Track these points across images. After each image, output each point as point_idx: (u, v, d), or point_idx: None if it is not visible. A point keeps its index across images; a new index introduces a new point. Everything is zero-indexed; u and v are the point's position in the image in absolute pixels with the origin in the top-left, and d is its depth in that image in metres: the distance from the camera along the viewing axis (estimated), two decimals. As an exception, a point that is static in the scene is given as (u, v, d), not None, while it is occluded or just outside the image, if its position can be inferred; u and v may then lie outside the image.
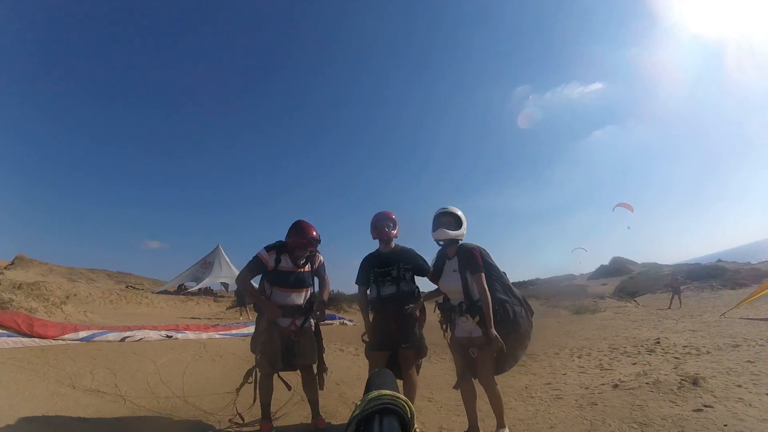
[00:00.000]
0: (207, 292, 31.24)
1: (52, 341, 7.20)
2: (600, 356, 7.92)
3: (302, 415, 4.45)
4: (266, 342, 3.94)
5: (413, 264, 4.14)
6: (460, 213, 3.87)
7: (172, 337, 8.76)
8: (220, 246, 34.82)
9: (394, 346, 3.96)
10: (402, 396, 1.41)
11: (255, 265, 4.06)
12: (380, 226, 4.19)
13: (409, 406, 1.38)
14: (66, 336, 7.53)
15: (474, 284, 3.60)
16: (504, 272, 3.85)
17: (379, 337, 4.03)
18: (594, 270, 54.00)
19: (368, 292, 4.23)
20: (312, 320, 4.23)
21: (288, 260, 4.10)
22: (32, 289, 15.04)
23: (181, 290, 31.24)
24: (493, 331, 3.34)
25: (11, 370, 5.19)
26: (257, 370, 4.04)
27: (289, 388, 4.33)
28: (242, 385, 4.18)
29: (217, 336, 9.89)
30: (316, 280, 4.35)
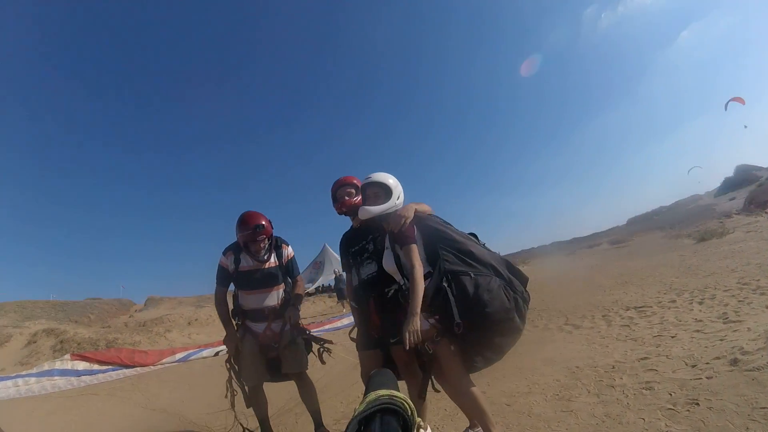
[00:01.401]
0: (326, 289, 32.03)
1: (152, 367, 8.08)
2: (726, 299, 5.87)
3: (309, 423, 3.85)
4: (243, 353, 3.58)
5: None
6: (389, 180, 3.04)
7: None
8: (326, 245, 35.00)
9: (380, 344, 3.10)
10: (400, 394, 1.37)
11: (220, 275, 3.68)
12: (340, 196, 3.38)
13: (408, 405, 1.33)
14: (165, 360, 8.36)
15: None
16: (472, 234, 2.93)
17: (363, 332, 3.25)
18: (719, 185, 47.79)
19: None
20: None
21: (247, 258, 3.66)
22: (156, 324, 16.75)
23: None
24: (410, 323, 2.47)
25: (103, 399, 6.72)
26: (235, 384, 3.72)
27: None
28: (230, 398, 3.77)
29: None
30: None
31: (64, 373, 7.68)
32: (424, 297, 2.55)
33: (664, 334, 4.61)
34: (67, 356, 8.68)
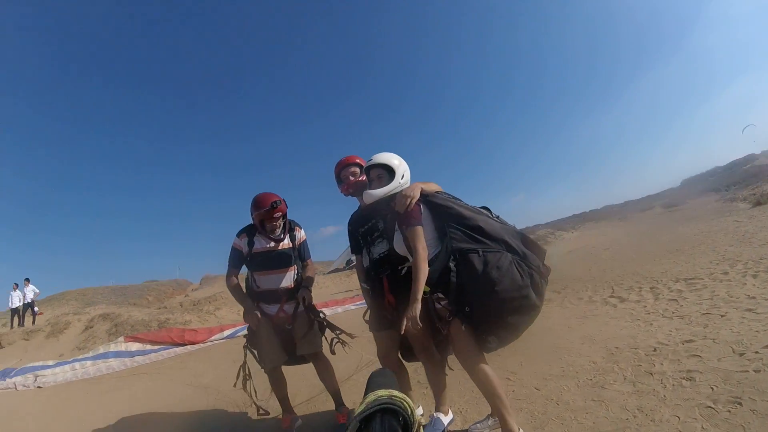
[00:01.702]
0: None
1: (201, 345, 8.72)
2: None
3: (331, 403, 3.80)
4: (258, 336, 3.53)
5: None
6: (393, 160, 2.91)
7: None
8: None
9: (394, 324, 2.89)
10: (399, 394, 1.39)
11: (233, 257, 3.62)
12: (344, 176, 3.34)
13: (408, 404, 1.36)
14: (213, 337, 9.03)
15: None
16: (484, 207, 2.79)
17: (376, 313, 3.14)
18: (776, 143, 44.51)
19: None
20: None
21: (261, 239, 3.61)
22: (208, 302, 17.13)
23: (348, 265, 32.78)
24: (411, 308, 2.44)
25: (152, 378, 6.80)
26: (249, 367, 3.72)
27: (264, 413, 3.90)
28: (243, 382, 3.77)
29: (352, 307, 10.46)
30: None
31: (118, 354, 8.49)
32: (431, 278, 2.51)
33: (713, 312, 4.30)
34: (121, 338, 9.37)
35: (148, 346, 8.73)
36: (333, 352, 3.70)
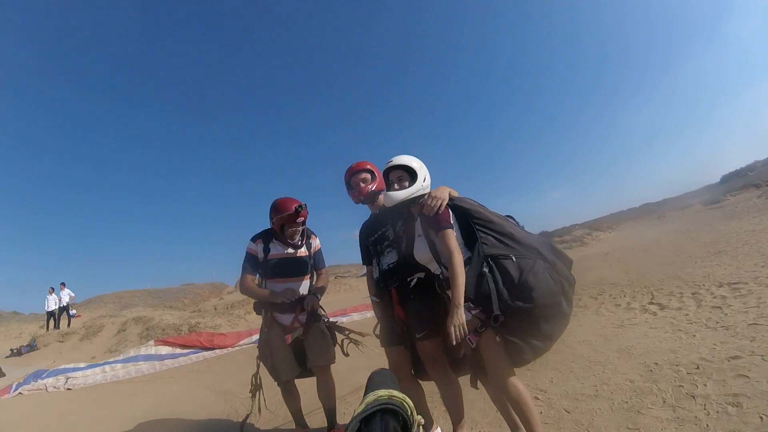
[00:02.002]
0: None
1: (230, 349, 8.67)
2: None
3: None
4: (271, 347, 3.38)
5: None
6: (413, 162, 2.72)
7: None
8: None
9: (405, 338, 2.86)
10: (399, 394, 1.37)
11: (249, 262, 3.46)
12: (355, 183, 3.15)
13: (407, 404, 1.34)
14: (242, 342, 8.91)
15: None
16: (509, 216, 2.70)
17: (386, 327, 3.00)
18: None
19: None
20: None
21: (278, 246, 3.49)
22: (239, 306, 17.05)
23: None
24: (455, 315, 2.30)
25: (178, 381, 6.81)
26: (260, 377, 3.58)
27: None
28: (253, 392, 3.62)
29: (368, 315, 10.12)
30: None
31: (148, 358, 8.51)
32: (465, 286, 2.34)
33: (761, 323, 3.97)
34: (152, 342, 9.49)
35: (178, 350, 8.81)
36: (346, 354, 3.53)
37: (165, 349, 8.79)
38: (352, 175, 3.16)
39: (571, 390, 3.47)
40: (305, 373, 3.52)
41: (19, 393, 7.16)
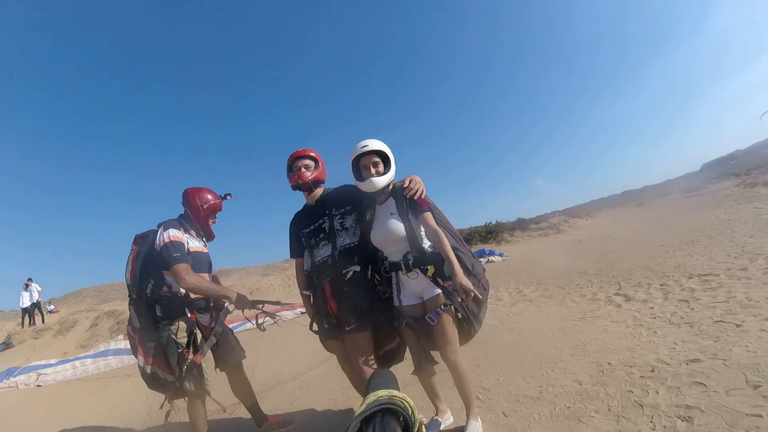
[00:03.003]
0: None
1: None
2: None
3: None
4: (192, 353, 2.97)
5: (352, 203, 2.89)
6: (386, 148, 2.70)
7: (304, 313, 8.55)
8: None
9: (337, 332, 2.77)
10: (400, 394, 1.37)
11: (181, 251, 2.93)
12: (296, 168, 2.95)
13: (408, 403, 1.34)
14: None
15: (421, 227, 2.62)
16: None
17: (320, 321, 2.87)
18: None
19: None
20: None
21: (194, 239, 3.15)
22: None
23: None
24: (463, 278, 2.37)
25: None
26: (184, 398, 3.09)
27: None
28: (166, 414, 3.16)
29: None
30: None
31: (117, 352, 8.27)
32: (434, 265, 2.55)
33: (727, 320, 3.63)
34: (121, 336, 9.30)
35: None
36: (262, 328, 3.25)
37: (133, 343, 8.38)
38: (296, 159, 2.99)
39: (515, 390, 3.18)
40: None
41: (-8, 391, 7.09)
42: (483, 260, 12.68)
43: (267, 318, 3.25)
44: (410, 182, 2.65)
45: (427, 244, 2.60)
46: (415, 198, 2.60)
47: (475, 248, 14.82)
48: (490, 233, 18.37)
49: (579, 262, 8.84)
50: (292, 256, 3.13)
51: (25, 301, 16.57)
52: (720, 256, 6.50)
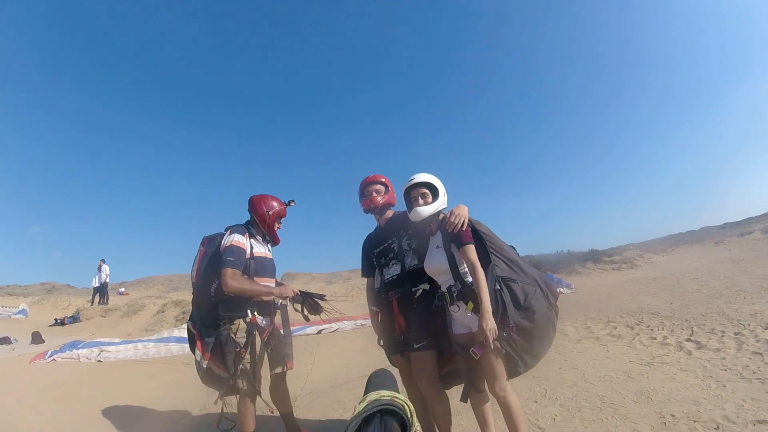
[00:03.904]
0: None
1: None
2: None
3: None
4: (250, 354, 3.13)
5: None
6: (434, 179, 2.85)
7: (364, 325, 8.76)
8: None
9: (403, 348, 2.93)
10: (401, 396, 1.37)
11: (238, 256, 3.09)
12: (368, 192, 3.19)
13: (408, 406, 1.34)
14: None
15: (463, 260, 2.65)
16: (512, 246, 2.90)
17: (388, 336, 3.04)
18: None
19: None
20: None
21: (259, 244, 3.35)
22: None
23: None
24: (488, 320, 2.39)
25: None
26: (235, 395, 3.22)
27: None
28: (221, 411, 3.29)
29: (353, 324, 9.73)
30: None
31: (179, 340, 8.50)
32: (473, 300, 2.55)
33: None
34: (185, 325, 9.33)
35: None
36: (307, 318, 3.43)
37: (197, 333, 8.75)
38: (367, 185, 3.23)
39: (569, 433, 3.16)
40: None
41: (53, 359, 7.46)
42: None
43: (328, 325, 3.50)
44: (451, 215, 2.71)
45: (470, 277, 2.60)
46: (455, 231, 2.66)
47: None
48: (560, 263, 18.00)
49: (652, 302, 8.48)
50: (363, 275, 3.33)
51: (96, 281, 17.58)
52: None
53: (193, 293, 3.35)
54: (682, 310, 7.18)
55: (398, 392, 1.46)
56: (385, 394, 1.39)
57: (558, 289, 12.19)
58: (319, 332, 8.40)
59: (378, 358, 3.26)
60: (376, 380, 1.67)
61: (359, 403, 1.37)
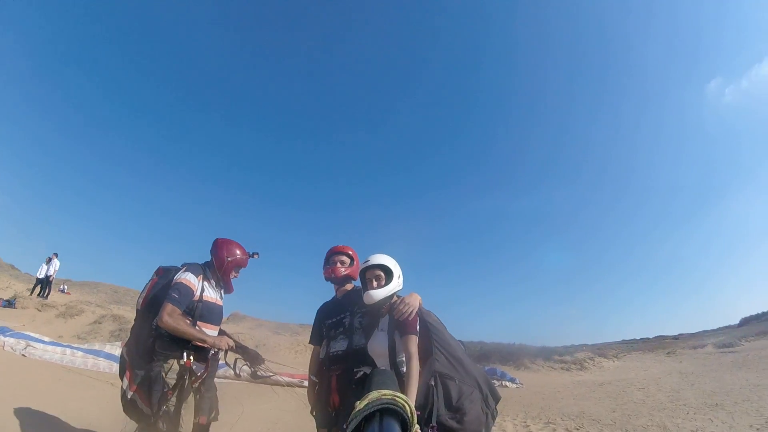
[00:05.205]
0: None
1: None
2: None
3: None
4: (177, 397, 2.90)
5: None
6: (389, 262, 2.83)
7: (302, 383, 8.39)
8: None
9: (333, 424, 2.82)
10: (402, 396, 1.32)
11: (183, 295, 2.95)
12: (333, 262, 3.18)
13: (409, 406, 1.29)
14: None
15: (401, 348, 2.61)
16: (460, 341, 2.77)
17: (321, 409, 2.94)
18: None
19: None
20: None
21: (212, 288, 3.21)
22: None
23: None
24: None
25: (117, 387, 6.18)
26: None
27: None
28: None
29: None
30: None
31: (109, 356, 8.15)
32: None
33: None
34: (119, 343, 9.33)
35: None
36: (238, 375, 3.35)
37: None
38: (333, 254, 3.21)
39: None
40: None
41: (-24, 342, 7.28)
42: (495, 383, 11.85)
43: (257, 372, 3.36)
44: (401, 302, 2.64)
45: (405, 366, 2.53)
46: (401, 320, 2.59)
47: (487, 366, 14.28)
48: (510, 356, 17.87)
49: (595, 408, 8.36)
50: (311, 342, 3.24)
51: (42, 273, 16.54)
52: (741, 425, 6.03)
53: (135, 320, 3.18)
54: (623, 420, 7.03)
55: (399, 392, 1.38)
56: (386, 393, 1.34)
57: (503, 382, 11.94)
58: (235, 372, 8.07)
59: (309, 425, 3.00)
60: (378, 379, 1.61)
61: (360, 401, 1.32)
